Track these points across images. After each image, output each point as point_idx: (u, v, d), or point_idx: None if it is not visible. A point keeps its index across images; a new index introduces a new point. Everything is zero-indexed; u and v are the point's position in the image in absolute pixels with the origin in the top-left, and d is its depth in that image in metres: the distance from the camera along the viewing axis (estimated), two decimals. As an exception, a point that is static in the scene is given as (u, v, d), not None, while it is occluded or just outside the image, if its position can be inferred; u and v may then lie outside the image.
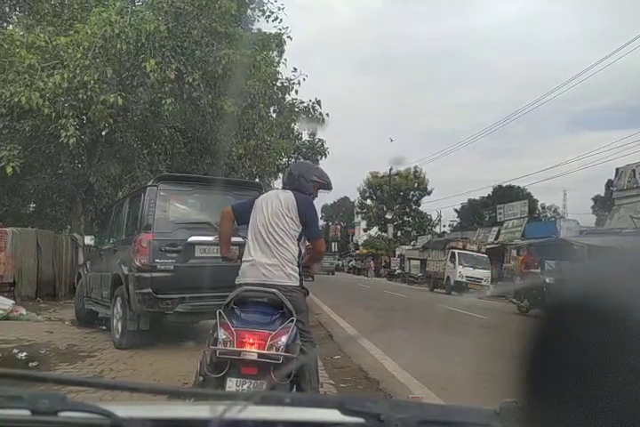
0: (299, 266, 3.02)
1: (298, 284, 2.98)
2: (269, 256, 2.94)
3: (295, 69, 12.93)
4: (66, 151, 9.84)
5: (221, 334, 2.60)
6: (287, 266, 2.93)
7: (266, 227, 3.03)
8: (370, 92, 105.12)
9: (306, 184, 3.21)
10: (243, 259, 3.08)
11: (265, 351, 2.54)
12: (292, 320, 2.69)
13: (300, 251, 3.05)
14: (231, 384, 2.55)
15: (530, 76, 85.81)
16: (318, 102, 14.28)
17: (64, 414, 0.71)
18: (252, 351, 2.55)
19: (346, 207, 58.71)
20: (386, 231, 39.75)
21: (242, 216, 3.28)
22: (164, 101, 9.34)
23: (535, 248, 18.58)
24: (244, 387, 2.57)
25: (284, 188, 3.27)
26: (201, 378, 2.62)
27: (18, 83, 8.56)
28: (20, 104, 8.42)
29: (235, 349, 2.54)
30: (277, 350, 2.57)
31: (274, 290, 2.77)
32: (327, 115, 14.27)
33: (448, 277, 20.76)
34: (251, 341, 2.57)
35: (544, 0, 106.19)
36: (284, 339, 2.61)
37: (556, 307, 0.48)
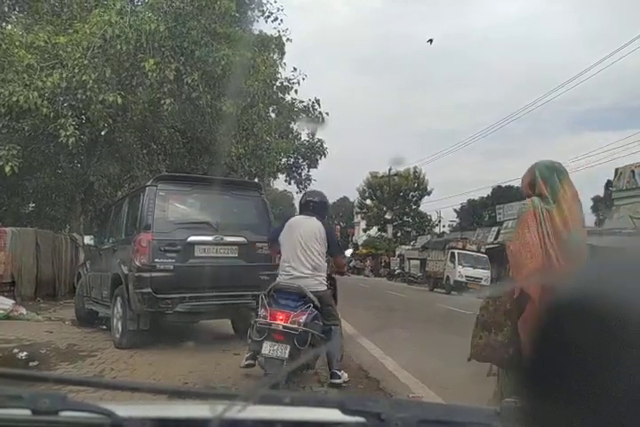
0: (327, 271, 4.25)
1: (325, 287, 4.13)
2: (304, 268, 4.03)
3: (295, 69, 12.95)
4: (65, 151, 9.83)
5: (262, 312, 3.83)
6: (316, 275, 4.07)
7: (302, 247, 4.06)
8: (369, 91, 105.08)
9: (326, 210, 4.47)
10: (281, 268, 4.14)
11: (288, 324, 3.68)
12: (309, 306, 3.83)
13: (327, 264, 4.27)
14: (266, 346, 3.67)
15: (529, 76, 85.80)
16: (318, 102, 14.29)
17: (65, 414, 0.71)
18: (278, 324, 3.68)
19: (345, 207, 58.72)
20: (385, 231, 39.76)
21: (276, 240, 4.28)
22: (163, 102, 9.34)
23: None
24: (275, 348, 3.67)
25: (306, 213, 4.25)
26: (249, 340, 3.90)
27: (17, 82, 8.55)
28: (18, 104, 8.41)
29: (267, 321, 3.71)
30: (297, 324, 3.69)
31: (298, 284, 3.92)
32: (327, 114, 14.28)
33: (448, 276, 20.77)
34: (280, 317, 3.72)
35: (543, 0, 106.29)
36: (303, 318, 3.74)
37: (555, 306, 0.48)
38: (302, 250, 4.05)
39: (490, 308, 2.61)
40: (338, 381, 4.11)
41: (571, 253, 2.37)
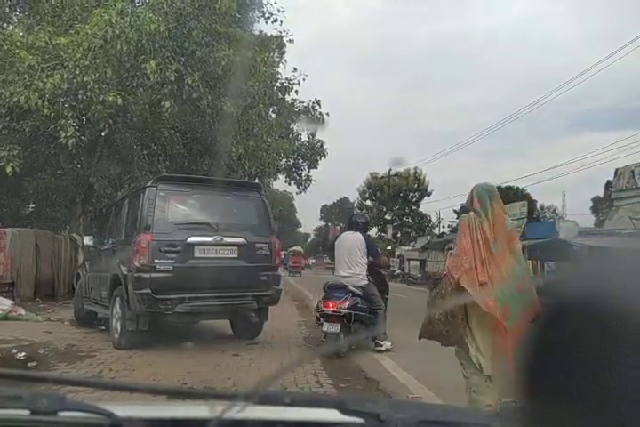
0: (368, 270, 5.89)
1: (366, 281, 5.75)
2: (348, 270, 5.74)
3: (295, 69, 12.97)
4: (65, 152, 9.83)
5: (319, 302, 5.63)
6: (357, 274, 5.72)
7: (347, 255, 5.77)
8: (370, 93, 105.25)
9: (367, 226, 6.55)
10: (336, 271, 5.99)
11: (335, 309, 5.35)
12: (350, 296, 5.46)
13: (367, 264, 5.84)
14: (325, 325, 5.38)
15: (529, 77, 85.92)
16: (318, 102, 14.31)
17: (63, 414, 0.71)
18: (329, 309, 5.37)
19: (345, 208, 58.69)
20: (385, 232, 39.74)
21: (331, 251, 6.43)
22: (163, 103, 9.34)
23: (535, 249, 18.55)
24: (330, 326, 5.32)
25: (353, 229, 6.03)
26: (315, 323, 5.80)
27: (17, 83, 8.56)
28: (19, 104, 8.42)
29: (323, 308, 5.43)
30: (342, 309, 5.35)
31: (343, 282, 5.62)
32: (327, 114, 14.30)
33: (447, 277, 20.71)
34: (330, 305, 5.40)
35: (544, 1, 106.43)
36: (346, 304, 5.39)
37: (555, 307, 0.48)
38: (347, 258, 5.75)
39: (437, 292, 3.31)
40: (381, 348, 5.61)
41: (494, 255, 3.03)
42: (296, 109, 14.40)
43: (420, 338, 3.34)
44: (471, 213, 3.21)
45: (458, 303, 2.91)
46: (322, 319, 5.43)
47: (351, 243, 5.80)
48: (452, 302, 2.89)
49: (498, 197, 3.26)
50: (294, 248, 39.24)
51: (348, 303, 5.39)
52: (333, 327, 5.30)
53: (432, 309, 3.24)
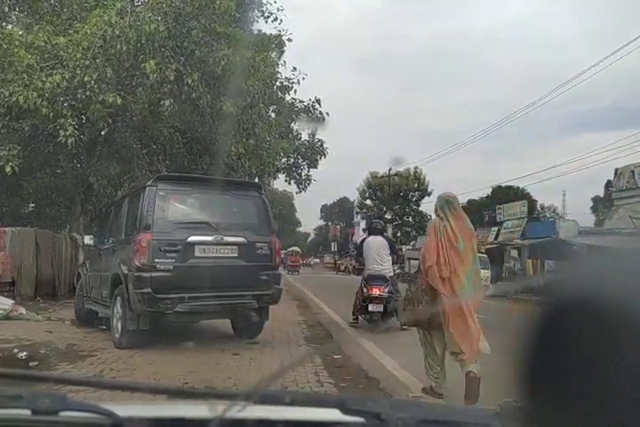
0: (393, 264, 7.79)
1: (392, 273, 7.52)
2: (380, 266, 7.36)
3: (295, 69, 12.94)
4: (65, 151, 9.83)
5: (365, 289, 7.16)
6: (386, 268, 7.41)
7: (377, 254, 7.40)
8: (369, 92, 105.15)
9: (385, 230, 8.90)
10: (368, 266, 7.47)
11: (379, 293, 7.05)
12: (388, 283, 7.19)
13: (392, 260, 7.61)
14: (370, 306, 6.97)
15: (529, 76, 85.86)
16: (318, 101, 14.27)
17: (65, 414, 0.71)
18: (375, 293, 7.06)
19: (345, 207, 58.68)
20: (385, 231, 39.73)
21: (361, 255, 7.73)
22: (163, 102, 9.34)
23: (535, 248, 18.54)
24: (375, 307, 6.93)
25: (375, 234, 7.73)
26: (356, 308, 7.41)
27: (16, 82, 8.55)
28: (18, 104, 8.41)
29: (369, 292, 7.08)
30: (384, 293, 7.05)
31: (382, 273, 7.29)
32: (327, 114, 14.26)
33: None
34: (375, 290, 7.06)
35: (543, 0, 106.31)
36: (386, 290, 7.09)
37: (555, 306, 0.48)
38: (378, 256, 7.37)
39: (412, 288, 3.94)
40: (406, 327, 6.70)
41: (459, 253, 3.65)
42: (296, 109, 14.37)
43: (404, 325, 4.38)
44: (436, 218, 3.94)
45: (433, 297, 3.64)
46: (366, 301, 7.05)
47: (378, 245, 7.46)
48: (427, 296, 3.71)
49: (456, 203, 3.96)
50: (293, 248, 40.03)
51: (387, 289, 7.12)
52: (378, 307, 6.96)
53: (414, 301, 3.85)
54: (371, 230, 8.06)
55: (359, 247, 7.97)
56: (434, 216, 4.20)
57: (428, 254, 3.67)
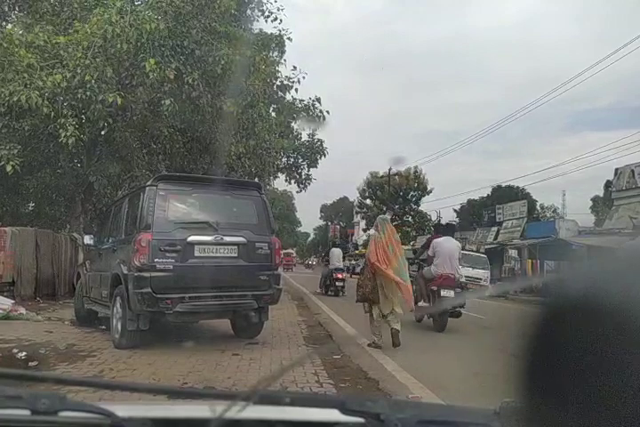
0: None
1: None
2: (451, 265, 7.80)
3: (295, 68, 12.93)
4: (65, 151, 9.82)
5: (437, 279, 7.81)
6: (457, 269, 7.91)
7: (451, 254, 7.80)
8: (369, 92, 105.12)
9: (455, 231, 10.15)
10: (440, 266, 7.77)
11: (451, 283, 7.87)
12: (454, 277, 7.84)
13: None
14: (442, 291, 7.61)
15: (529, 76, 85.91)
16: (318, 100, 14.26)
17: (64, 414, 0.71)
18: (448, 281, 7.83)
19: (345, 207, 58.71)
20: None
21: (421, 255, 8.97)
22: (163, 101, 9.34)
23: (535, 248, 18.53)
24: (446, 293, 7.56)
25: (447, 235, 8.17)
26: (420, 300, 7.78)
27: (17, 82, 8.54)
28: (19, 103, 8.40)
29: (440, 282, 7.77)
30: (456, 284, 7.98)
31: (451, 272, 7.78)
32: (327, 112, 14.24)
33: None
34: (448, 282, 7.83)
35: (543, 1, 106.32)
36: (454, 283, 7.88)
37: (555, 306, 0.48)
38: (450, 256, 7.82)
39: (362, 277, 6.12)
40: (462, 310, 7.67)
41: (388, 253, 5.83)
42: (296, 108, 14.36)
43: (357, 302, 6.18)
44: (375, 232, 6.08)
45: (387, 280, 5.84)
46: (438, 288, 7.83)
47: (453, 247, 8.05)
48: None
49: (389, 222, 6.26)
50: (287, 251, 42.80)
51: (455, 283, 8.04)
52: (449, 293, 7.66)
53: (364, 285, 5.95)
54: (446, 230, 8.64)
55: (423, 249, 8.90)
56: (372, 231, 6.29)
57: (372, 256, 5.93)
